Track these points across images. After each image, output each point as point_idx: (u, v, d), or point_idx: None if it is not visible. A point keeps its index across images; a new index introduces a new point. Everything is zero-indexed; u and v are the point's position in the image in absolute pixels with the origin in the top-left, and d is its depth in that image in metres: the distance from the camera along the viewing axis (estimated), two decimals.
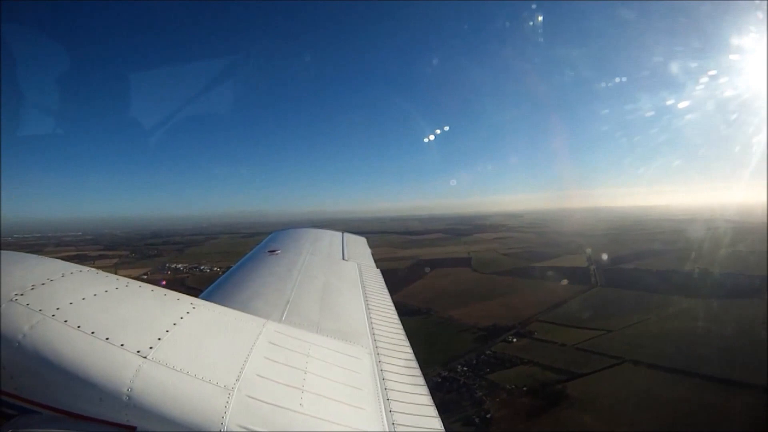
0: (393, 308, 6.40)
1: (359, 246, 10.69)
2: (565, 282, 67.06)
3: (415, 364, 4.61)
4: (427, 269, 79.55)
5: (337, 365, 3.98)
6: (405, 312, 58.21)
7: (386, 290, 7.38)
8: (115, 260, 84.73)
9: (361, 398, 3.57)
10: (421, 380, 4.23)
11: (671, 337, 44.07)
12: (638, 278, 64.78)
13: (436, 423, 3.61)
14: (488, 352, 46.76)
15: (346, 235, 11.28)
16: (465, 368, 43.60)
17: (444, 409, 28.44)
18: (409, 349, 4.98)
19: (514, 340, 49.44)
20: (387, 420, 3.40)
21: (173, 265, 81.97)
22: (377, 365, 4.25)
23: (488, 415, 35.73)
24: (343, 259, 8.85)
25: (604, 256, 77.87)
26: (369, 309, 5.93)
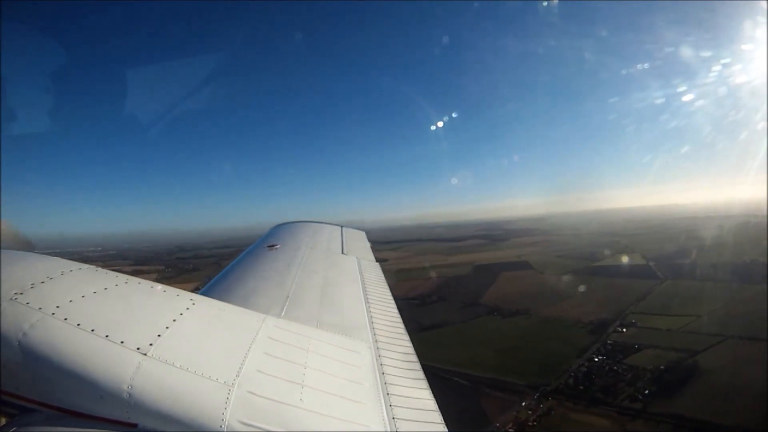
0: (393, 302, 6.68)
1: (358, 240, 11.06)
2: (634, 278, 77.20)
3: (414, 357, 4.83)
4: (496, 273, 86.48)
5: (337, 360, 4.17)
6: (505, 314, 67.92)
7: (386, 284, 7.67)
8: (153, 275, 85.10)
9: (362, 393, 3.75)
10: (421, 374, 4.45)
11: (757, 316, 51.66)
12: (699, 271, 73.65)
13: (437, 417, 3.78)
14: (609, 342, 55.87)
15: (345, 229, 11.69)
16: (601, 357, 52.56)
17: (607, 391, 39.00)
18: (409, 343, 5.23)
19: (624, 330, 59.12)
20: (387, 414, 3.58)
21: None
22: (377, 359, 4.46)
23: (646, 391, 43.99)
24: (343, 253, 9.19)
25: (656, 254, 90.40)
26: (368, 303, 6.20)
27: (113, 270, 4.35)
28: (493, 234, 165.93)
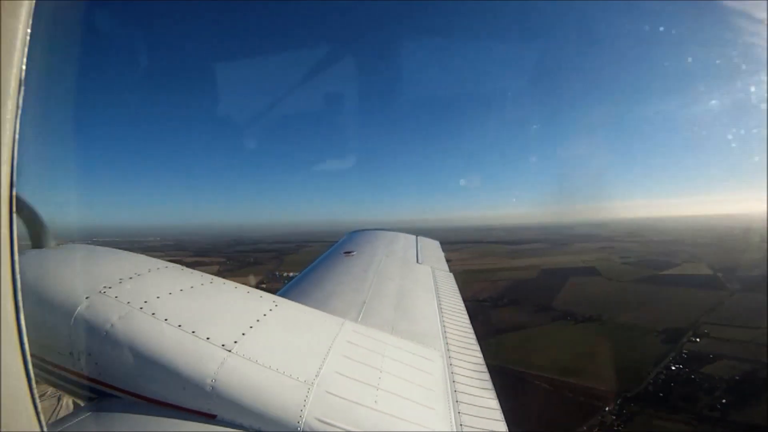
0: (465, 312, 6.86)
1: (433, 249, 11.29)
2: (703, 288, 76.62)
3: (484, 367, 4.98)
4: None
5: (410, 366, 4.35)
6: (579, 319, 69.86)
7: (459, 294, 7.86)
8: (215, 267, 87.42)
9: (432, 398, 3.91)
10: (489, 384, 4.59)
11: None
12: None
13: (502, 426, 3.91)
14: (684, 351, 56.05)
15: (420, 238, 11.91)
16: (678, 365, 53.88)
17: (686, 399, 42.46)
18: (479, 353, 5.37)
19: (697, 339, 59.82)
20: (455, 421, 3.73)
21: (285, 273, 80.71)
22: (448, 367, 4.63)
23: (723, 401, 45.30)
24: (417, 262, 9.35)
25: (722, 264, 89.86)
26: (442, 312, 6.41)
27: (175, 260, 4.68)
28: (554, 238, 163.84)
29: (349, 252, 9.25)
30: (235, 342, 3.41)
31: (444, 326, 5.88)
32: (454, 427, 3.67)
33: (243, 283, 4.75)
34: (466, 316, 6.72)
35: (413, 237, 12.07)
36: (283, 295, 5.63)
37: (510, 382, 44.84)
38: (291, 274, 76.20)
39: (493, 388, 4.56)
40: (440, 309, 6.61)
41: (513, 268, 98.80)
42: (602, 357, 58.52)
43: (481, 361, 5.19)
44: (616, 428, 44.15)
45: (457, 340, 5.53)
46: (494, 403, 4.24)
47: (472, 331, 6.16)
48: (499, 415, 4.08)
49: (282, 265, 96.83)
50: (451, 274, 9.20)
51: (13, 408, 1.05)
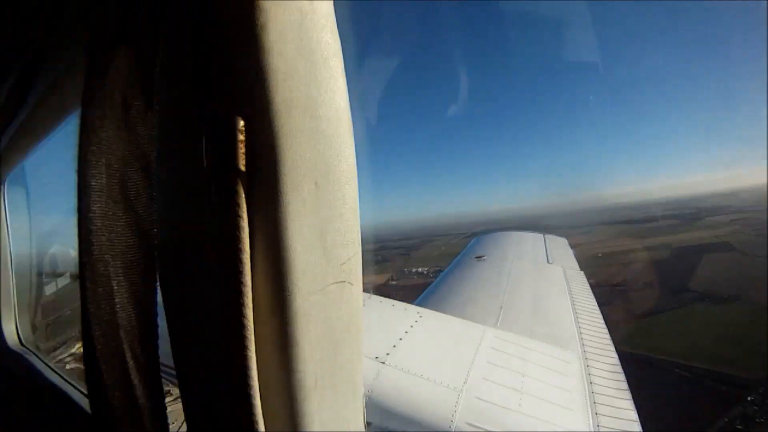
0: (598, 311, 6.81)
1: (561, 248, 11.16)
2: None
3: (619, 368, 5.00)
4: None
5: (550, 369, 4.46)
6: (717, 300, 60.20)
7: (591, 293, 7.77)
8: None
9: (571, 400, 4.02)
10: (624, 385, 4.62)
11: None
12: None
13: (636, 427, 3.95)
14: None
15: (548, 236, 11.81)
16: None
17: None
18: (614, 354, 5.38)
19: None
20: (593, 422, 3.81)
21: (414, 269, 79.41)
22: (585, 369, 4.69)
23: None
24: (548, 262, 9.34)
25: None
26: (576, 313, 6.40)
27: None
28: (684, 213, 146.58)
29: (480, 256, 9.41)
30: (387, 354, 3.68)
31: (579, 327, 5.99)
32: (592, 427, 3.80)
33: (377, 282, 5.03)
34: (600, 316, 6.78)
35: (541, 236, 12.03)
36: (421, 304, 6.11)
37: (648, 370, 42.94)
38: (420, 269, 76.57)
39: (628, 389, 4.62)
40: (574, 310, 6.68)
41: (643, 249, 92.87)
42: (742, 341, 51.54)
43: (616, 361, 5.27)
44: (758, 419, 38.13)
45: (592, 341, 5.60)
46: (629, 404, 4.32)
47: (606, 330, 6.22)
48: (634, 415, 4.15)
49: (410, 261, 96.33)
50: (582, 273, 9.21)
51: (276, 410, 1.04)
